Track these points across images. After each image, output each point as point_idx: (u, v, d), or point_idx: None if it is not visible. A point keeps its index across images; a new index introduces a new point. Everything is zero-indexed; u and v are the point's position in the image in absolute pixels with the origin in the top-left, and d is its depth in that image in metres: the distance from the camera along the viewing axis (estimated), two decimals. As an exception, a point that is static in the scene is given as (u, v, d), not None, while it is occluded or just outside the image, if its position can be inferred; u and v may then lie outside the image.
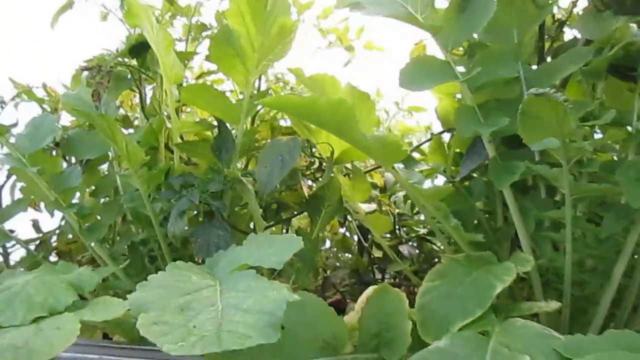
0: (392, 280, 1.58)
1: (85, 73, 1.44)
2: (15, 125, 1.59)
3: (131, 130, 1.53)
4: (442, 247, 1.41)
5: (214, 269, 0.97)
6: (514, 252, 1.03)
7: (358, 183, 1.28)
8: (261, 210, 1.19)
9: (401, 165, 1.15)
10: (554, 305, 0.86)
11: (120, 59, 1.46)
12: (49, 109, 1.68)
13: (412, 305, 0.88)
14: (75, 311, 0.94)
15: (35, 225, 1.56)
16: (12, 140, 1.27)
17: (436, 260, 1.46)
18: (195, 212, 1.34)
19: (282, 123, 1.51)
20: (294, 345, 0.86)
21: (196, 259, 1.22)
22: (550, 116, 0.79)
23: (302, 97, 0.97)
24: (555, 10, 1.23)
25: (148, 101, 1.46)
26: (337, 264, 1.74)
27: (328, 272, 1.64)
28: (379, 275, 1.58)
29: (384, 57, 1.81)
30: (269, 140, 1.37)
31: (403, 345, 0.82)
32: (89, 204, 1.29)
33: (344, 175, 1.36)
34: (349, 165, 1.34)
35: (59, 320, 0.88)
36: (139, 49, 1.37)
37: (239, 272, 0.87)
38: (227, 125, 1.28)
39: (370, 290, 0.95)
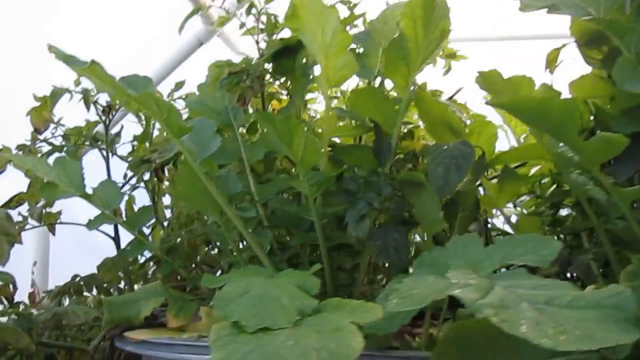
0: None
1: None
2: (119, 134, 1.55)
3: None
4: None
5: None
6: None
7: (507, 185, 1.33)
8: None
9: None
10: None
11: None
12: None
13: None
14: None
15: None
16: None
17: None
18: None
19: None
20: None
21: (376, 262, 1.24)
22: None
23: (536, 97, 1.00)
24: None
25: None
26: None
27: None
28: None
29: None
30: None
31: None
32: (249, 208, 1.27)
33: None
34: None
35: (330, 323, 0.87)
36: (284, 53, 1.37)
37: (508, 271, 0.90)
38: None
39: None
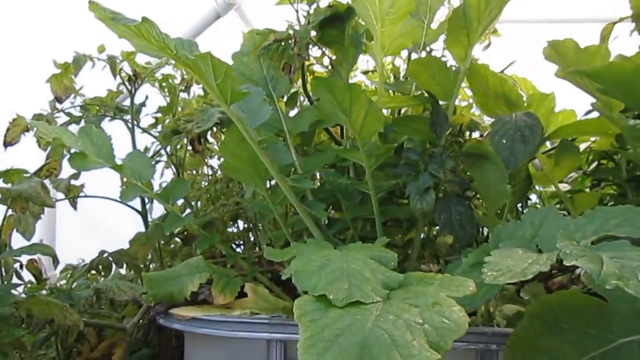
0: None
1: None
2: (144, 104, 1.47)
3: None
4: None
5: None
6: None
7: (564, 160, 1.29)
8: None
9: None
10: None
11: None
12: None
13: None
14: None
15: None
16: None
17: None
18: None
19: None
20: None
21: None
22: None
23: (628, 66, 0.96)
24: None
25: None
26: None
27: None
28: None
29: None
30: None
31: None
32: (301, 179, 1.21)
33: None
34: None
35: (425, 297, 0.82)
36: (331, 21, 1.30)
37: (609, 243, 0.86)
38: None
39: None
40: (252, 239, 1.56)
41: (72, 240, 2.16)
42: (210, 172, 1.76)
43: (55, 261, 1.19)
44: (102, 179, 1.52)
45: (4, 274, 1.19)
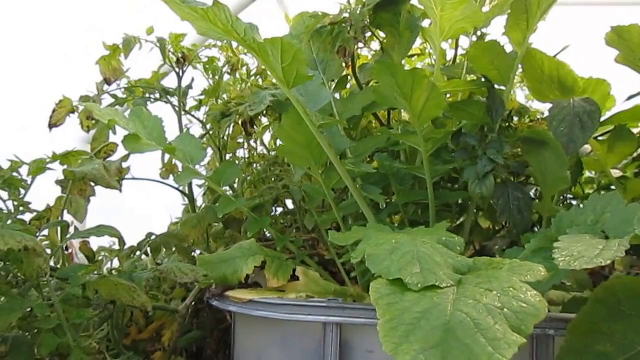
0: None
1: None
2: (190, 86, 1.48)
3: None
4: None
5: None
6: None
7: (619, 146, 1.28)
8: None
9: None
10: None
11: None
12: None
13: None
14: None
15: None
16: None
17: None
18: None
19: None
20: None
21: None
22: None
23: None
24: None
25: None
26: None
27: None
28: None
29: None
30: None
31: None
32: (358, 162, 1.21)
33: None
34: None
35: (500, 282, 0.82)
36: (385, 4, 1.29)
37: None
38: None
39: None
40: (292, 223, 1.56)
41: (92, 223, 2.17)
42: (247, 155, 1.75)
43: (122, 243, 1.20)
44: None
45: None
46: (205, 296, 1.23)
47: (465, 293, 0.80)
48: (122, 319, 1.21)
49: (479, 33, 1.36)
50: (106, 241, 1.62)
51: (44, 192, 1.29)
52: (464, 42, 1.42)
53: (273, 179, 1.53)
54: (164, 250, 1.42)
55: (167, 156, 1.56)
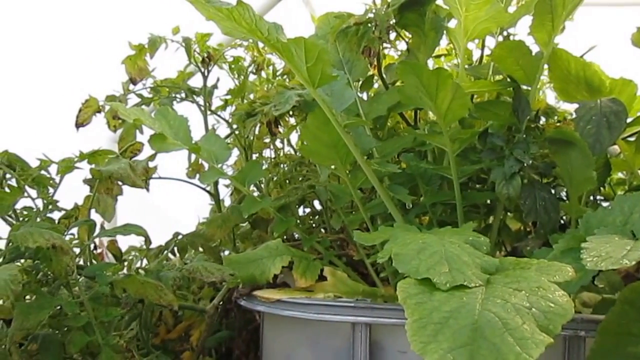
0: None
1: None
2: (216, 86, 1.49)
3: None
4: None
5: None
6: None
7: (650, 146, 1.27)
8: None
9: None
10: None
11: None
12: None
13: None
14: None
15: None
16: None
17: None
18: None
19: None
20: None
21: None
22: None
23: None
24: None
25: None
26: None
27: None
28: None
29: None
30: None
31: None
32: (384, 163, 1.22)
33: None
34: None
35: (528, 282, 0.82)
36: (410, 4, 1.29)
37: None
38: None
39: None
40: (319, 223, 1.57)
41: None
42: (274, 155, 1.76)
43: (148, 241, 1.22)
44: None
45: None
46: (233, 296, 1.24)
47: (493, 293, 0.80)
48: (151, 318, 1.23)
49: (505, 33, 1.36)
50: (136, 240, 1.64)
51: (72, 192, 1.31)
52: (491, 42, 1.41)
53: (299, 179, 1.54)
54: (192, 250, 1.43)
55: (193, 156, 1.57)
